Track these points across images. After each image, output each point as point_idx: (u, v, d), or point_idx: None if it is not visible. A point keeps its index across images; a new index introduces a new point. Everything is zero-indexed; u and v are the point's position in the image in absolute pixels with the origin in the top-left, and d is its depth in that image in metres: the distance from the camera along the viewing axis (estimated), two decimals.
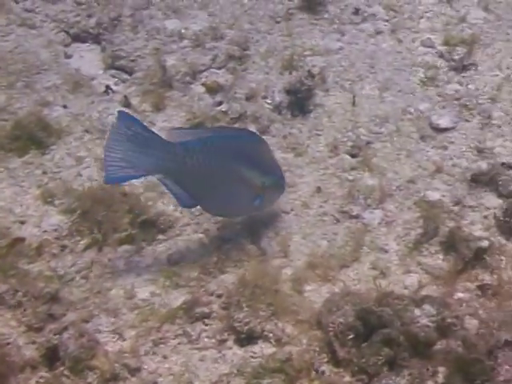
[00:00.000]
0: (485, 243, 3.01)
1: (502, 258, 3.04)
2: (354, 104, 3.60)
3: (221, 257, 3.01)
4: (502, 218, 3.16)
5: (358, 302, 2.71)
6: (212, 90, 3.66)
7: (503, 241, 3.10)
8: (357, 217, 3.20)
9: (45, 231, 3.04)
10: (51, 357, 2.62)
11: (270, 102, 3.60)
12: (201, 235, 3.12)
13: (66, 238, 3.02)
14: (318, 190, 3.30)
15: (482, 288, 2.95)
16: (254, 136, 3.19)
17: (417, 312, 2.69)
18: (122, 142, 2.80)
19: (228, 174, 2.98)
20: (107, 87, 3.61)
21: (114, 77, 3.71)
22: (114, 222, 3.04)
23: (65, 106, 3.51)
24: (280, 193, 3.15)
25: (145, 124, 2.95)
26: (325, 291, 2.95)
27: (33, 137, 3.33)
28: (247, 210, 3.11)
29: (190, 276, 2.95)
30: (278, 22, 3.91)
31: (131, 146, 2.81)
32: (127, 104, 3.53)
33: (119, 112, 2.91)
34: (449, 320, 2.69)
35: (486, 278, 2.97)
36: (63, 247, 3.00)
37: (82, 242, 3.01)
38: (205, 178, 2.94)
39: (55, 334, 2.61)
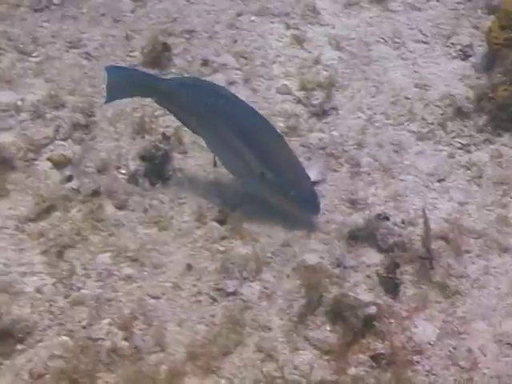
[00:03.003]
0: (373, 309, 2.83)
1: (392, 320, 2.87)
2: (215, 164, 3.36)
3: (90, 361, 2.71)
4: (385, 275, 3.00)
5: None
6: (59, 164, 3.33)
7: (389, 300, 2.94)
8: (234, 293, 2.95)
9: None
10: None
11: (124, 172, 3.31)
12: (65, 338, 2.80)
13: None
14: (189, 267, 3.04)
15: (376, 358, 2.77)
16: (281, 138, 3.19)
17: None
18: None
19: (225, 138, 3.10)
20: None
21: None
22: None
23: None
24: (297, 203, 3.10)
25: None
26: None
27: None
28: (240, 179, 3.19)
29: None
30: None
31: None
32: None
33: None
34: None
35: (379, 346, 2.79)
36: None
37: None
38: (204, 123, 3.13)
39: None
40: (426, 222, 3.05)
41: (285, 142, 3.18)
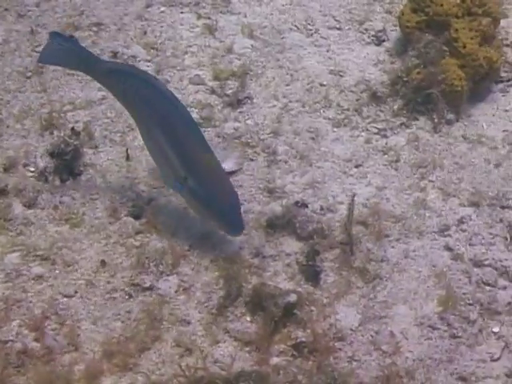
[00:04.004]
0: (293, 297, 2.76)
1: (313, 308, 2.81)
2: (128, 158, 3.26)
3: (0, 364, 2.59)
4: (305, 263, 2.94)
5: None
6: None
7: (310, 288, 2.88)
8: (151, 288, 2.86)
9: None
10: None
11: (33, 169, 3.19)
12: None
13: None
14: (103, 263, 2.93)
15: (297, 347, 2.70)
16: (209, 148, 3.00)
17: None
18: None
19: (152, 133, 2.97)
20: None
21: None
22: None
23: None
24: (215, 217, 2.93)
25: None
26: (126, 383, 2.61)
27: None
28: (167, 180, 3.03)
29: None
30: (28, 78, 3.49)
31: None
32: None
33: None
34: None
35: (300, 334, 2.73)
36: None
37: None
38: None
39: None
40: (351, 208, 3.00)
41: (212, 152, 2.98)
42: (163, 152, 2.97)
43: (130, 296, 2.85)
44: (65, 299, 2.81)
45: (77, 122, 3.34)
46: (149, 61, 3.59)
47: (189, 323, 2.78)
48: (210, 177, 2.95)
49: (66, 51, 3.09)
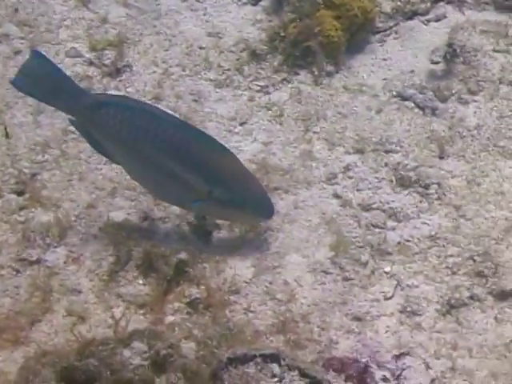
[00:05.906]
0: (183, 255, 2.74)
1: (206, 265, 2.79)
2: (7, 136, 3.18)
3: None
4: (195, 223, 2.91)
5: (57, 361, 2.32)
6: None
7: (202, 246, 2.86)
8: (38, 261, 2.80)
9: None
10: None
11: None
12: None
13: None
14: None
15: (192, 304, 2.68)
16: (222, 147, 2.86)
17: (126, 353, 2.35)
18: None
19: (155, 160, 2.76)
20: None
21: None
22: None
23: None
24: (246, 215, 2.82)
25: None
26: (19, 356, 2.54)
27: None
28: (183, 205, 2.86)
29: None
30: None
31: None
32: None
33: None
34: (163, 352, 2.37)
35: (194, 291, 2.71)
36: None
37: None
38: (127, 149, 2.78)
39: None
40: None
41: (227, 150, 2.86)
42: (175, 178, 2.77)
43: (18, 271, 2.79)
44: None
45: None
46: (22, 38, 3.51)
47: (80, 292, 2.73)
48: (233, 177, 2.81)
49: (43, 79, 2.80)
